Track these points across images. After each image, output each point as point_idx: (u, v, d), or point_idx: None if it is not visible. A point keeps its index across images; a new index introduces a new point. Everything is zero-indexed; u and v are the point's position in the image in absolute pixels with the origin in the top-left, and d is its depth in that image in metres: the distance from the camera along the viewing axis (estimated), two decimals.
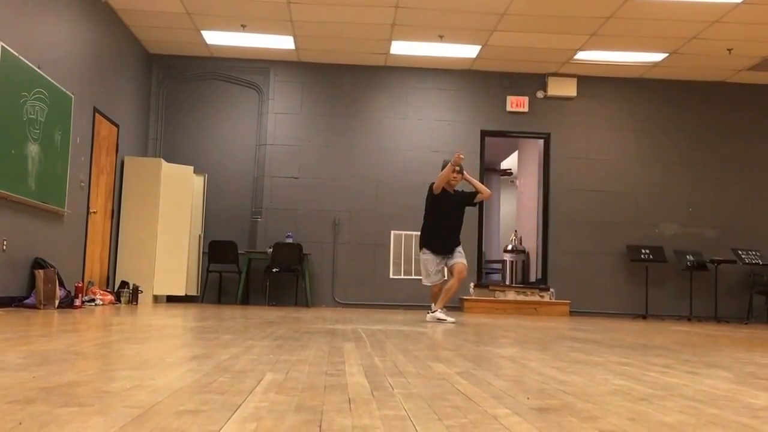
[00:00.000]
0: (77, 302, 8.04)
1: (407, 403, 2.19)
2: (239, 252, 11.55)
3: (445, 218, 8.08)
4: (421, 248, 8.21)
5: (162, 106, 12.07)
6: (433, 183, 8.12)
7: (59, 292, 7.83)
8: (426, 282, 8.14)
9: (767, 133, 12.53)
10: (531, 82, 12.40)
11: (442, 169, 8.03)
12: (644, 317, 11.77)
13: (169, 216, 10.84)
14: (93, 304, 8.72)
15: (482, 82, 12.37)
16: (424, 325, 7.07)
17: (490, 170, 16.90)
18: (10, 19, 7.27)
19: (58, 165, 8.39)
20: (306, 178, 12.05)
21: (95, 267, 9.91)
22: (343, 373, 2.85)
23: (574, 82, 12.39)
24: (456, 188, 8.21)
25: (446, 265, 8.08)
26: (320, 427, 1.77)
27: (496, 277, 15.38)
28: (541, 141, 12.61)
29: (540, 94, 12.39)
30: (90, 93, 9.47)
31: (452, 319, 7.80)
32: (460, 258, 8.03)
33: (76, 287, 8.17)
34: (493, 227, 17.67)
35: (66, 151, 8.58)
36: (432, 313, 7.91)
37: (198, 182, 11.71)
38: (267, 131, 12.11)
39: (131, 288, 9.95)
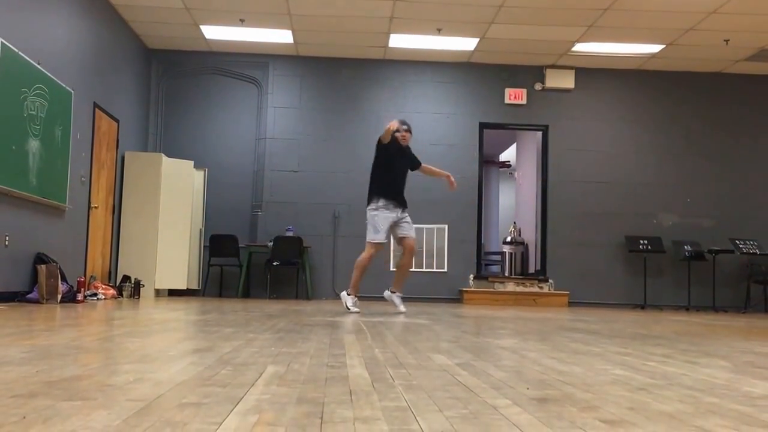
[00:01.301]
0: (80, 297, 8.07)
1: (408, 394, 2.21)
2: (240, 246, 11.57)
3: (399, 171, 7.74)
4: (370, 202, 7.79)
5: (162, 101, 12.07)
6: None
7: (61, 287, 7.85)
8: (372, 238, 7.66)
9: (765, 123, 12.54)
10: (529, 75, 12.40)
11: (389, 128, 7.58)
12: (643, 307, 11.80)
13: (169, 210, 10.86)
14: (95, 298, 8.74)
15: (480, 75, 12.37)
16: (424, 316, 7.08)
17: (488, 162, 16.92)
18: (9, 14, 7.27)
19: (59, 160, 8.40)
20: (306, 172, 12.06)
21: (97, 262, 9.93)
22: (344, 365, 2.87)
23: (571, 74, 12.39)
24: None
25: (395, 235, 7.75)
26: (321, 418, 1.79)
27: (496, 268, 15.41)
28: (540, 133, 12.62)
29: (538, 87, 12.39)
30: (90, 88, 9.47)
31: (404, 309, 7.71)
32: (411, 231, 7.69)
33: (79, 282, 8.19)
34: (492, 219, 17.70)
35: (66, 146, 8.59)
36: (390, 292, 7.82)
37: (198, 177, 11.73)
38: (266, 125, 12.12)
39: (133, 282, 9.99)
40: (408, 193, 7.99)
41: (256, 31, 11.10)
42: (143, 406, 1.88)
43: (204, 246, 11.72)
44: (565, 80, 12.37)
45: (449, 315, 7.58)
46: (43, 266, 7.68)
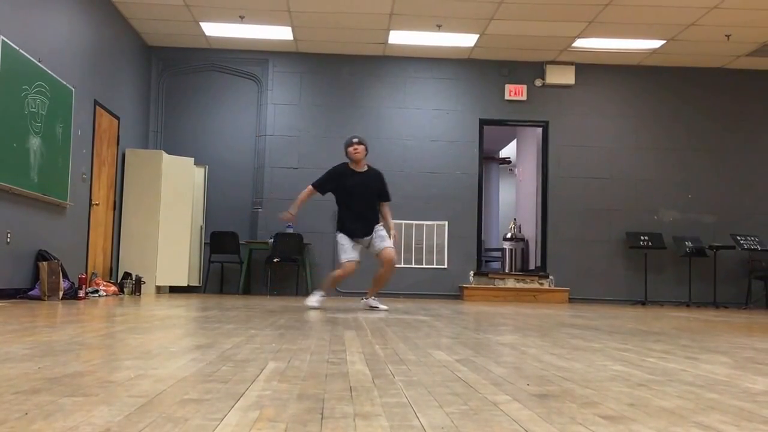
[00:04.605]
0: (81, 293, 8.08)
1: (408, 390, 2.21)
2: (240, 242, 11.58)
3: (357, 199, 7.75)
4: (336, 231, 7.84)
5: (162, 98, 12.08)
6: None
7: (63, 284, 7.86)
8: (343, 258, 7.53)
9: (766, 119, 12.53)
10: (529, 71, 12.39)
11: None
12: (643, 304, 11.81)
13: (170, 207, 10.87)
14: (97, 295, 8.76)
15: (480, 71, 12.36)
16: (424, 313, 7.09)
17: (488, 159, 16.93)
18: (10, 12, 7.27)
19: (60, 158, 8.41)
20: (306, 168, 12.05)
21: (98, 258, 9.94)
22: (344, 362, 2.87)
23: (572, 69, 12.38)
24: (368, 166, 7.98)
25: (371, 248, 7.63)
26: (322, 414, 1.79)
27: (496, 265, 15.42)
28: (540, 129, 12.62)
29: (538, 83, 12.38)
30: (90, 86, 9.47)
31: (385, 307, 7.65)
32: (385, 242, 7.54)
33: (80, 279, 8.20)
34: (492, 215, 17.70)
35: (67, 143, 8.60)
36: (365, 300, 7.83)
37: (199, 174, 11.74)
38: (266, 122, 12.13)
39: (134, 279, 10.00)
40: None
41: (256, 27, 11.10)
42: (145, 402, 1.89)
43: (205, 243, 11.74)
44: (566, 76, 12.36)
45: (449, 311, 7.59)
46: (45, 263, 7.69)
